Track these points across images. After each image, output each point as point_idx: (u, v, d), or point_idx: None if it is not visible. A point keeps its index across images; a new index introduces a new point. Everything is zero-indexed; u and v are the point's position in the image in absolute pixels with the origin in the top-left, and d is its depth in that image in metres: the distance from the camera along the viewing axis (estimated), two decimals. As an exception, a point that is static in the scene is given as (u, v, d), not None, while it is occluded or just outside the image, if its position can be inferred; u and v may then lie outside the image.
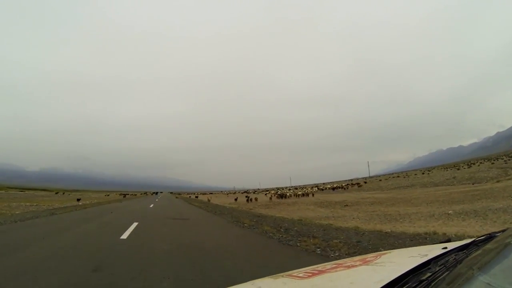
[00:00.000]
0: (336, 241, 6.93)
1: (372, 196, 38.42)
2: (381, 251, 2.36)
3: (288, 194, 54.30)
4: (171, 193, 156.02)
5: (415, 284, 1.22)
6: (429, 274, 1.22)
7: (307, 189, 75.58)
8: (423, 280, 1.22)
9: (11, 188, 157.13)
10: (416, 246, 1.97)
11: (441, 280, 1.21)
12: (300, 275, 1.43)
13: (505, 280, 1.22)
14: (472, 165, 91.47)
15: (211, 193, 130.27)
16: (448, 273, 1.21)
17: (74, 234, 8.23)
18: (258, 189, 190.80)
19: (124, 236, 7.78)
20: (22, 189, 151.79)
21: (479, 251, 1.21)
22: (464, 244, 1.33)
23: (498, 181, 40.36)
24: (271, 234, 8.48)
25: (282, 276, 1.47)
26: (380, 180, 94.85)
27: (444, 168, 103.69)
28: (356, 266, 1.50)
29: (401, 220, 16.02)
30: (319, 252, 5.97)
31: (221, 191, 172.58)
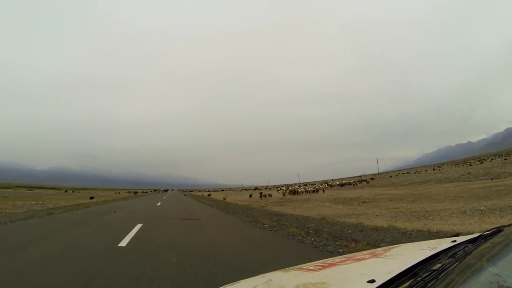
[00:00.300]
0: (384, 245, 5.54)
1: (387, 192, 36.77)
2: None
3: (299, 190, 53.06)
4: (182, 190, 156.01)
5: (425, 274, 1.21)
6: (439, 265, 1.20)
7: (317, 185, 74.35)
8: (433, 271, 1.21)
9: (20, 187, 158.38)
10: None
11: (451, 271, 1.21)
12: (311, 268, 1.49)
13: None
14: (483, 161, 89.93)
15: (223, 190, 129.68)
16: (458, 264, 1.21)
17: (63, 240, 6.79)
18: (267, 186, 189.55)
19: (123, 243, 6.37)
20: (31, 187, 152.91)
21: (488, 244, 1.20)
22: (473, 238, 1.38)
23: (517, 177, 38.32)
24: (300, 237, 7.09)
25: (293, 269, 1.52)
26: (391, 176, 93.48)
27: (455, 164, 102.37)
28: (366, 259, 1.55)
29: (430, 217, 14.69)
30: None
31: (230, 188, 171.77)
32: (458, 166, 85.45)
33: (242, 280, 1.44)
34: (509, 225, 1.38)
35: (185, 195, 66.04)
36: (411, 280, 1.22)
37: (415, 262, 1.22)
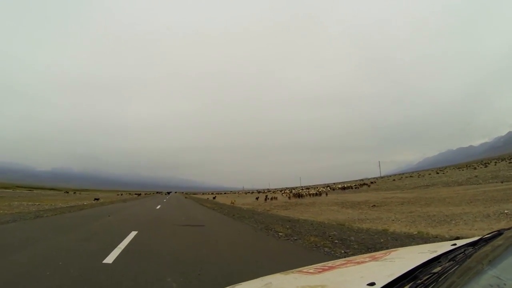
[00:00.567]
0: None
1: (395, 196, 35.54)
2: None
3: (304, 193, 52.15)
4: (186, 193, 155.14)
5: (426, 277, 1.21)
6: (439, 268, 1.21)
7: (319, 188, 73.43)
8: (434, 273, 1.21)
9: (20, 187, 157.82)
10: None
11: (451, 274, 1.21)
12: (311, 271, 1.48)
13: None
14: (487, 164, 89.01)
15: (225, 193, 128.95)
16: (458, 267, 1.21)
17: (34, 253, 5.49)
18: (268, 189, 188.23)
19: (110, 258, 5.06)
20: (31, 188, 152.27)
21: (488, 247, 1.21)
22: (474, 241, 1.37)
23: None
24: (326, 249, 5.93)
25: (293, 272, 1.50)
26: (394, 180, 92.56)
27: (458, 168, 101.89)
28: (366, 262, 1.55)
29: (453, 222, 13.67)
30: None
31: (231, 191, 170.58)
32: (462, 170, 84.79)
33: (242, 283, 1.43)
34: (509, 228, 1.34)
35: (185, 197, 64.77)
36: (412, 283, 1.21)
37: (415, 265, 1.21)
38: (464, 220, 13.90)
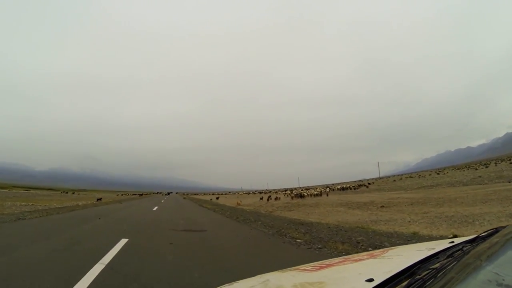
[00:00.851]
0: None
1: (401, 196, 34.35)
2: None
3: (305, 194, 51.07)
4: (186, 194, 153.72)
5: (424, 273, 1.22)
6: (437, 264, 1.22)
7: (319, 189, 72.37)
8: (432, 269, 1.22)
9: (18, 187, 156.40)
10: None
11: (450, 269, 1.21)
12: (308, 268, 1.50)
13: None
14: (487, 165, 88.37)
15: (226, 194, 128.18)
16: (456, 263, 1.21)
17: None
18: (267, 189, 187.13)
19: (86, 280, 3.79)
20: (28, 188, 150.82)
21: (486, 244, 1.22)
22: (471, 238, 1.38)
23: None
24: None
25: (290, 270, 1.52)
26: (395, 180, 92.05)
27: (457, 169, 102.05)
28: (364, 259, 1.55)
29: (476, 222, 12.66)
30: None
31: (229, 192, 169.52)
32: (462, 171, 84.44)
33: (240, 281, 1.43)
34: (504, 226, 1.33)
35: (184, 198, 63.47)
36: (410, 279, 1.21)
37: (413, 262, 1.22)
38: (488, 221, 12.82)
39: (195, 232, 9.28)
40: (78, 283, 3.71)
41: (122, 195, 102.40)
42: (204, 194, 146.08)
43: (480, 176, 54.47)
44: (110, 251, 5.67)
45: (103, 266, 4.49)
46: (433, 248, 1.36)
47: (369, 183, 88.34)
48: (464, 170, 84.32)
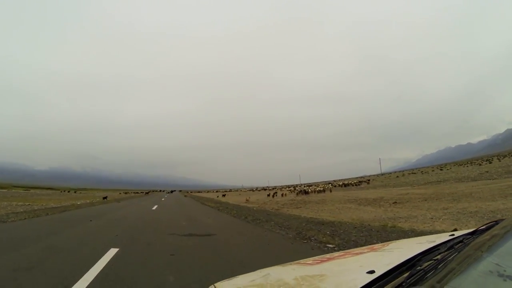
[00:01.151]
0: None
1: (410, 192, 33.14)
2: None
3: (309, 190, 50.18)
4: (188, 192, 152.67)
5: (425, 264, 1.22)
6: (438, 256, 1.22)
7: (323, 185, 71.58)
8: (433, 261, 1.22)
9: (17, 187, 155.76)
10: None
11: (451, 260, 1.22)
12: (309, 262, 1.52)
13: None
14: (490, 161, 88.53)
15: (230, 191, 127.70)
16: (457, 254, 1.22)
17: None
18: (268, 186, 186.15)
19: None
20: (28, 188, 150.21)
21: (486, 236, 1.23)
22: (471, 231, 1.42)
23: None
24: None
25: (291, 264, 1.53)
26: (398, 176, 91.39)
27: (459, 165, 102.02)
28: (364, 253, 1.58)
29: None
30: None
31: (230, 189, 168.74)
32: (465, 166, 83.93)
33: (240, 275, 1.43)
34: (504, 219, 1.35)
35: (185, 196, 62.20)
36: (411, 270, 1.22)
37: (414, 254, 1.22)
38: (522, 216, 11.73)
39: (201, 238, 7.61)
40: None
41: (126, 193, 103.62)
42: (208, 191, 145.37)
43: (487, 171, 53.71)
44: (90, 270, 4.26)
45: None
46: (434, 241, 1.42)
47: (369, 180, 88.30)
48: (467, 166, 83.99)
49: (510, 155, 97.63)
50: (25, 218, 12.42)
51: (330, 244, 5.95)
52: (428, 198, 22.98)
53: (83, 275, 4.03)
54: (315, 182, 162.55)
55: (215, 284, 1.35)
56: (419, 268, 1.21)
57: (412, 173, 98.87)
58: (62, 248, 6.14)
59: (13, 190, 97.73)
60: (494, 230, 1.21)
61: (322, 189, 53.28)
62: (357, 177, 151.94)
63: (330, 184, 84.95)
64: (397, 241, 1.89)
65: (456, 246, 1.22)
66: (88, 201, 36.10)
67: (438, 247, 1.26)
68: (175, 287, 3.68)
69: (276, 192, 47.90)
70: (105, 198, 41.44)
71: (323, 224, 8.97)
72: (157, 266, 4.69)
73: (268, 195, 43.83)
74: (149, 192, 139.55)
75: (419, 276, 1.21)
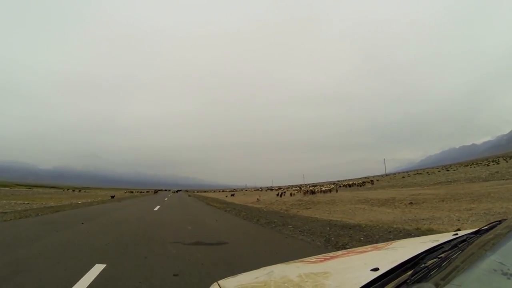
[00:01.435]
0: None
1: (422, 192, 31.89)
2: None
3: (316, 190, 49.09)
4: (195, 192, 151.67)
5: (429, 262, 1.23)
6: (442, 254, 1.22)
7: (330, 186, 70.57)
8: (437, 258, 1.22)
9: (21, 185, 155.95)
10: None
11: (454, 258, 1.22)
12: (312, 260, 1.52)
13: None
14: (497, 162, 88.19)
15: (235, 190, 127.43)
16: (461, 253, 1.22)
17: None
18: (272, 186, 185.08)
19: None
20: (32, 186, 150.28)
21: (490, 235, 1.22)
22: (475, 230, 1.39)
23: None
24: None
25: (295, 262, 1.54)
26: (403, 177, 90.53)
27: (465, 166, 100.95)
28: (368, 251, 1.60)
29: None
30: None
31: (234, 189, 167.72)
32: (472, 167, 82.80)
33: (243, 273, 1.42)
34: (507, 219, 1.34)
35: (189, 196, 61.11)
36: (415, 268, 1.22)
37: (418, 252, 1.22)
38: None
39: (211, 248, 6.11)
40: None
41: (131, 192, 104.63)
42: (214, 191, 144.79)
43: (497, 172, 52.71)
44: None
45: None
46: (438, 240, 1.42)
47: (371, 181, 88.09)
48: (474, 167, 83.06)
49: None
50: (10, 219, 11.35)
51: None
52: (445, 199, 21.75)
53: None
54: (318, 182, 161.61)
55: (219, 282, 1.34)
56: (423, 265, 1.21)
57: (418, 173, 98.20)
58: (31, 265, 4.70)
59: (16, 189, 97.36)
60: (498, 230, 1.21)
61: (328, 189, 52.07)
62: (360, 178, 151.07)
63: (334, 185, 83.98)
64: (401, 240, 1.87)
65: (460, 245, 1.22)
66: (89, 200, 35.38)
67: (442, 246, 1.24)
68: None
69: (284, 192, 46.91)
70: (112, 197, 41.45)
71: (350, 228, 7.80)
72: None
73: (277, 194, 42.99)
74: (157, 191, 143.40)
75: (423, 274, 1.21)
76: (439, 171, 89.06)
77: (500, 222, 1.36)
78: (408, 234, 6.56)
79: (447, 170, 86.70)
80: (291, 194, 41.58)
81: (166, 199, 37.83)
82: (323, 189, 52.72)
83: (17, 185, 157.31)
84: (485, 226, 1.39)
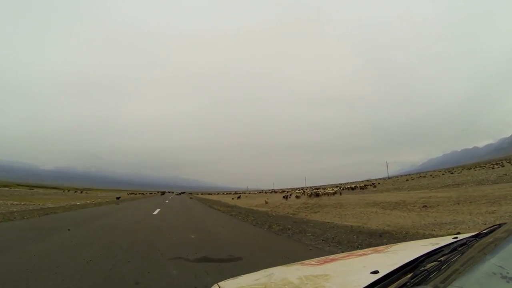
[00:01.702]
0: None
1: (432, 195, 30.70)
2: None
3: (320, 193, 48.13)
4: (200, 193, 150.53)
5: (429, 265, 1.22)
6: (442, 258, 1.22)
7: (334, 188, 69.72)
8: (437, 262, 1.22)
9: (22, 186, 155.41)
10: None
11: (454, 262, 1.22)
12: (313, 263, 1.52)
13: None
14: (501, 165, 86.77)
15: (236, 193, 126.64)
16: (460, 256, 1.22)
17: None
18: (273, 189, 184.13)
19: None
20: (33, 187, 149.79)
21: (490, 238, 1.22)
22: (475, 234, 1.41)
23: None
24: None
25: (295, 264, 1.54)
26: (407, 180, 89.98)
27: (467, 168, 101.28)
28: (368, 254, 1.60)
29: None
30: None
31: (235, 192, 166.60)
32: (475, 170, 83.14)
33: (243, 275, 1.41)
34: (506, 222, 1.34)
35: (190, 198, 60.13)
36: (415, 271, 1.22)
37: (418, 255, 1.23)
38: None
39: (224, 266, 4.76)
40: None
41: (134, 194, 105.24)
42: (218, 193, 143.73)
43: (505, 174, 51.97)
44: None
45: None
46: (437, 243, 1.44)
47: (373, 184, 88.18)
48: (478, 169, 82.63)
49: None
50: (-1, 222, 10.33)
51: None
52: (459, 202, 20.69)
53: None
54: (321, 185, 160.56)
55: (219, 283, 1.33)
56: (423, 268, 1.21)
57: (422, 176, 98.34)
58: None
59: (16, 189, 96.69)
60: (497, 233, 1.21)
61: (333, 192, 51.24)
62: (362, 180, 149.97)
63: (338, 187, 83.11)
64: (401, 243, 1.90)
65: (460, 248, 1.22)
66: (88, 201, 34.56)
67: (441, 249, 1.26)
68: None
69: (290, 194, 46.15)
70: (118, 198, 41.64)
71: (380, 236, 6.78)
72: None
73: (284, 197, 42.68)
74: (164, 192, 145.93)
75: (423, 276, 1.21)
76: (443, 174, 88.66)
77: (499, 225, 1.34)
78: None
79: (451, 173, 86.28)
80: (296, 197, 40.60)
81: (167, 201, 36.83)
82: (328, 191, 51.83)
83: (18, 185, 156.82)
84: (484, 229, 1.40)
